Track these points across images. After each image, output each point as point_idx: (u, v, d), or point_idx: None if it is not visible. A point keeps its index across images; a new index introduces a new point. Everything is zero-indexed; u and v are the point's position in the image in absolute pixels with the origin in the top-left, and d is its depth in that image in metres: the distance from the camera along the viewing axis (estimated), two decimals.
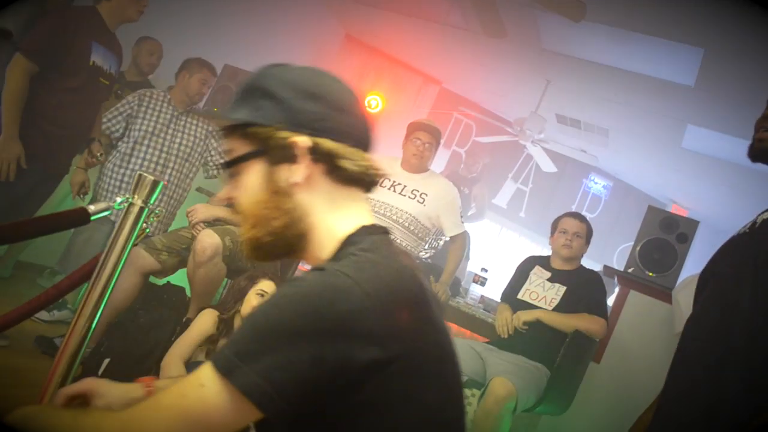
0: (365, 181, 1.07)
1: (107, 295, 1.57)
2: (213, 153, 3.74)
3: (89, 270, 1.62)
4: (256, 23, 5.09)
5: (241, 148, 1.04)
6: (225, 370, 0.85)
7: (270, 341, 0.85)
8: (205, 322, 2.56)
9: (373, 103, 6.60)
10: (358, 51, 6.90)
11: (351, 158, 1.03)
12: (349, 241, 1.00)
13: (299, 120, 1.01)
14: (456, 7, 5.20)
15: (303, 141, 1.00)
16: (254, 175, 1.04)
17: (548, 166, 6.51)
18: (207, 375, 0.86)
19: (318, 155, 1.01)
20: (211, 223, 3.19)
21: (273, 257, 1.07)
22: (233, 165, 1.06)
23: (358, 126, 1.06)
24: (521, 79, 6.30)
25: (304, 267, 3.70)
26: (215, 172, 3.74)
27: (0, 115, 2.82)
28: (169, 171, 3.52)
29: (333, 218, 1.04)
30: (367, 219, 1.07)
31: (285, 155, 1.01)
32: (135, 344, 2.93)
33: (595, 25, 4.57)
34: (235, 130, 1.05)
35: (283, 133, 1.01)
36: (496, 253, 7.47)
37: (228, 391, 0.84)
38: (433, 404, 0.94)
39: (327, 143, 1.01)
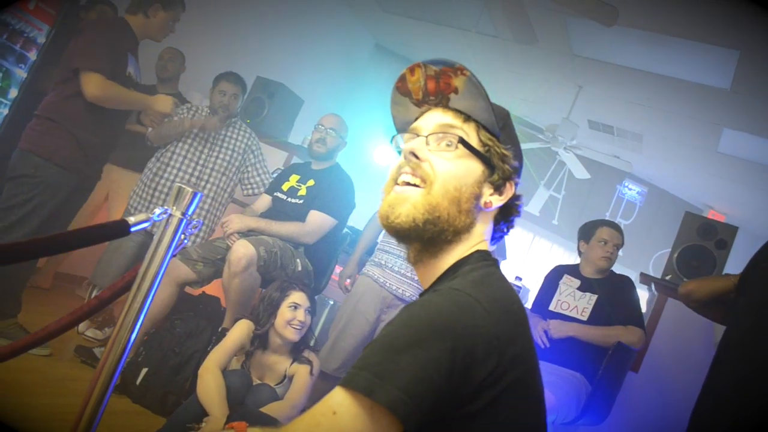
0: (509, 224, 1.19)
1: (147, 306, 1.59)
2: (250, 169, 3.76)
3: (129, 281, 1.65)
4: (286, 35, 5.14)
5: (472, 137, 1.14)
6: (366, 391, 0.87)
7: (406, 359, 0.88)
8: (241, 331, 2.58)
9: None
10: (387, 60, 6.93)
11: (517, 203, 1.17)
12: (460, 264, 1.10)
13: (517, 155, 1.16)
14: (486, 15, 5.19)
15: (515, 176, 1.15)
16: (468, 168, 1.12)
17: (581, 172, 6.45)
18: (339, 401, 0.89)
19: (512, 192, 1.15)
20: (246, 234, 3.22)
21: (418, 231, 1.09)
22: (462, 144, 1.13)
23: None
24: (552, 86, 6.25)
25: (338, 277, 3.71)
26: (252, 190, 3.76)
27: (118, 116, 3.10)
28: (203, 184, 3.55)
29: (477, 243, 1.13)
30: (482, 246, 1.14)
31: (500, 177, 1.13)
32: (172, 354, 2.97)
33: (627, 29, 4.52)
34: (472, 119, 1.16)
35: (509, 161, 1.13)
36: (530, 262, 7.40)
37: (367, 411, 0.87)
38: (531, 422, 1.00)
39: (513, 187, 1.15)
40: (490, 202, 1.12)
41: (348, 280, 3.58)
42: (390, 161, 5.12)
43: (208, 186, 3.60)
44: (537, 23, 4.91)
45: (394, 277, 3.19)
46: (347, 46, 6.60)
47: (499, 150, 1.13)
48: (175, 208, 1.60)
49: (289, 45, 5.23)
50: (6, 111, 3.41)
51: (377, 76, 6.82)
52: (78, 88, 2.84)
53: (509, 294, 1.03)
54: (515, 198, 1.16)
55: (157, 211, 1.57)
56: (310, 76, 5.66)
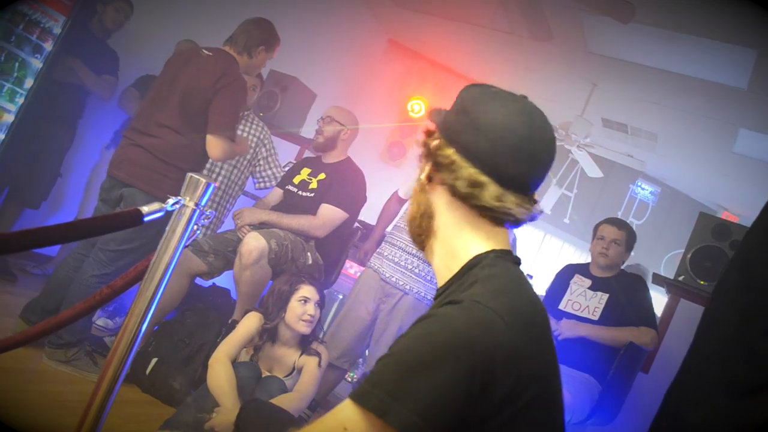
0: (493, 215, 1.08)
1: (159, 296, 1.60)
2: (262, 163, 3.77)
3: (141, 270, 1.66)
4: (299, 29, 5.13)
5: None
6: (379, 411, 0.85)
7: (422, 380, 0.86)
8: (251, 324, 2.59)
9: (416, 107, 6.60)
10: (401, 56, 6.91)
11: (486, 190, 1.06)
12: (474, 263, 1.07)
13: (449, 134, 1.13)
14: (501, 11, 5.16)
15: (447, 153, 1.10)
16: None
17: (594, 171, 6.41)
18: (350, 417, 0.87)
19: (453, 174, 1.09)
20: (257, 226, 3.22)
21: (416, 239, 1.21)
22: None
23: (507, 162, 1.06)
24: (567, 83, 6.21)
25: (347, 271, 3.72)
26: (263, 183, 3.77)
27: None
28: (214, 176, 3.56)
29: (459, 237, 1.10)
30: (498, 245, 1.10)
31: (429, 158, 1.16)
32: (182, 344, 2.98)
33: (643, 26, 4.48)
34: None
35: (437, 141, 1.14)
36: (541, 260, 7.37)
37: (376, 430, 0.85)
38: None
39: (468, 168, 1.07)
40: (425, 181, 1.15)
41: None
42: (399, 156, 5.07)
43: (219, 178, 3.61)
44: (552, 20, 4.87)
45: (389, 266, 3.20)
46: (360, 41, 6.58)
47: (431, 140, 1.16)
48: (188, 198, 1.60)
49: (303, 39, 5.23)
50: (22, 100, 3.42)
51: (390, 71, 6.80)
52: (202, 140, 2.80)
53: (532, 303, 1.01)
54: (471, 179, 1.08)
55: (171, 200, 1.58)
56: (323, 70, 5.65)
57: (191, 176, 1.60)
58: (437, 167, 1.11)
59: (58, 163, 3.84)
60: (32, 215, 3.91)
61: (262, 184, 3.78)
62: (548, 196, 7.13)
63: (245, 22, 3.05)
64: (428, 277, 3.15)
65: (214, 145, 2.79)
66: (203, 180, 1.59)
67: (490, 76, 6.87)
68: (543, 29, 4.87)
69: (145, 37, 4.21)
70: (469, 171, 1.06)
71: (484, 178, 1.05)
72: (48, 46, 3.46)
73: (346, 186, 3.37)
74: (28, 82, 3.43)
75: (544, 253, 7.71)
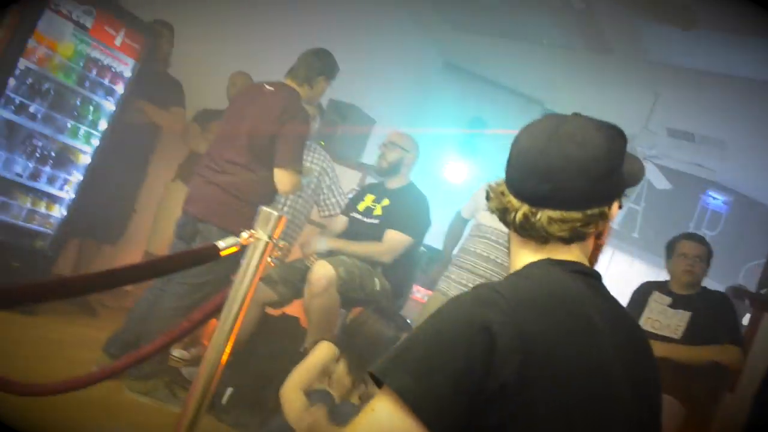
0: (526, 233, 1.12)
1: (235, 328, 1.64)
2: (326, 191, 3.82)
3: (219, 304, 1.70)
4: (356, 56, 5.21)
5: None
6: (381, 375, 0.90)
7: (420, 347, 0.93)
8: (323, 354, 2.60)
9: (476, 126, 6.58)
10: (457, 78, 6.93)
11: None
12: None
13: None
14: (557, 27, 5.12)
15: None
16: None
17: (662, 182, 6.23)
18: (380, 404, 0.91)
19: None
20: (324, 255, 3.26)
21: None
22: None
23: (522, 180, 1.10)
24: (628, 94, 6.09)
25: (414, 296, 3.72)
26: (328, 211, 3.82)
27: None
28: (280, 207, 3.63)
29: (516, 254, 1.15)
30: (555, 257, 1.10)
31: None
32: (255, 374, 3.03)
33: (705, 32, 4.36)
34: None
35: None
36: (610, 278, 7.17)
37: (399, 411, 0.88)
38: None
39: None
40: None
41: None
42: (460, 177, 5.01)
43: (285, 208, 3.67)
44: (610, 31, 4.80)
45: (458, 289, 3.18)
46: (416, 65, 6.64)
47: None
48: (261, 231, 1.64)
49: (359, 66, 5.29)
50: (97, 142, 3.59)
51: (447, 93, 6.82)
52: (270, 174, 2.89)
53: (558, 294, 1.01)
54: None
55: (244, 234, 1.62)
56: (380, 96, 5.72)
57: (263, 210, 1.64)
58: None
59: (132, 198, 4.00)
60: (110, 250, 4.08)
61: (327, 212, 3.83)
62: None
63: (305, 53, 3.12)
64: None
65: (283, 178, 2.86)
66: (275, 213, 1.63)
67: (549, 93, 6.80)
68: (601, 41, 4.80)
69: (193, 64, 4.35)
70: (502, 200, 1.12)
71: (509, 202, 1.11)
72: (119, 89, 3.63)
73: (410, 211, 3.38)
74: (103, 124, 3.61)
75: (614, 269, 7.51)
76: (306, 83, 3.04)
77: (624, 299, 3.40)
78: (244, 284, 1.62)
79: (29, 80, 3.28)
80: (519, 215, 1.08)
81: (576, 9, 4.56)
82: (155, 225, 4.20)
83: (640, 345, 1.11)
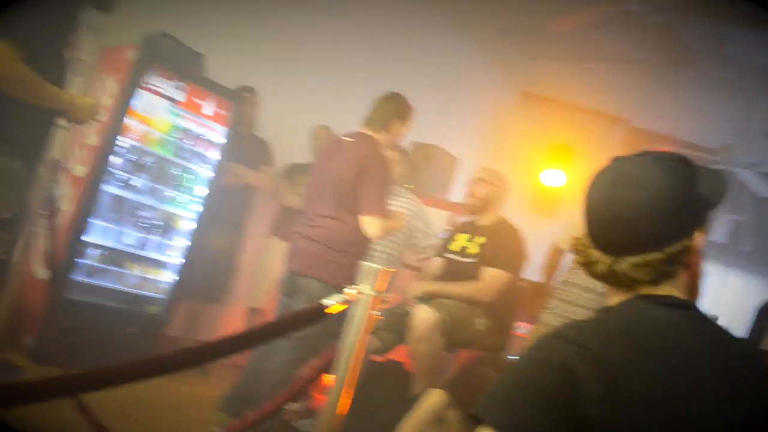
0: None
1: (350, 381, 1.66)
2: (418, 234, 3.84)
3: (329, 360, 1.74)
4: (432, 95, 5.26)
5: None
6: (479, 414, 0.94)
7: (511, 377, 0.99)
8: (435, 401, 2.58)
9: (559, 154, 6.46)
10: (536, 105, 6.85)
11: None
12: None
13: None
14: (636, 43, 5.00)
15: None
16: None
17: (765, 190, 5.89)
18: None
19: None
20: (424, 299, 3.26)
21: None
22: None
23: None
24: (719, 103, 5.83)
25: (518, 332, 3.64)
26: (423, 254, 3.83)
27: None
28: (377, 254, 3.66)
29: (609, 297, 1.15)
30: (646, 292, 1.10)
31: None
32: (366, 421, 3.03)
33: None
34: None
35: None
36: (723, 296, 6.78)
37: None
38: None
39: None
40: None
41: None
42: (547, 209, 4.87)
43: (379, 254, 3.71)
44: (692, 41, 4.64)
45: (560, 322, 3.07)
46: (493, 97, 6.62)
47: None
48: (364, 285, 1.67)
49: (436, 104, 5.34)
50: (198, 207, 3.77)
51: (526, 121, 6.75)
52: (356, 223, 2.93)
53: (641, 325, 1.02)
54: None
55: (349, 290, 1.65)
56: (461, 133, 5.74)
57: (364, 264, 1.67)
58: None
59: (234, 258, 4.16)
60: (218, 308, 4.25)
61: (421, 255, 3.84)
62: (719, 225, 6.62)
63: (377, 99, 3.18)
64: None
65: (370, 224, 2.90)
66: (378, 267, 1.65)
67: (634, 109, 6.61)
68: (683, 52, 4.64)
69: (277, 122, 4.51)
70: (586, 254, 1.13)
71: (592, 255, 1.12)
72: (213, 155, 3.82)
73: (506, 247, 3.34)
74: (201, 190, 3.79)
75: (726, 287, 7.10)
76: (382, 129, 3.09)
77: (744, 316, 3.20)
78: (353, 340, 1.65)
79: (131, 156, 3.51)
80: (603, 267, 1.09)
81: (653, 23, 4.44)
82: (257, 281, 4.34)
83: (752, 365, 1.08)
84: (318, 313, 1.59)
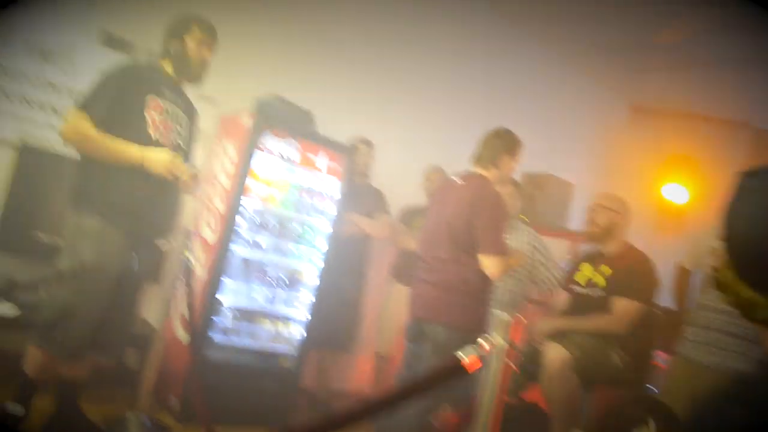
0: None
1: (492, 429, 1.64)
2: (540, 268, 3.76)
3: (468, 413, 1.72)
4: (538, 122, 5.18)
5: None
6: None
7: None
8: None
9: (679, 166, 6.14)
10: (649, 119, 6.58)
11: None
12: None
13: None
14: (749, 43, 4.71)
15: None
16: None
17: None
18: None
19: None
20: (553, 336, 3.17)
21: None
22: None
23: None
24: None
25: (656, 362, 3.46)
26: (547, 288, 3.74)
27: None
28: (499, 293, 3.61)
29: None
30: None
31: None
32: None
33: None
34: None
35: None
36: None
37: None
38: None
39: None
40: None
41: None
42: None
43: (501, 292, 3.65)
44: None
45: (696, 349, 2.85)
46: (602, 117, 6.43)
47: None
48: (497, 335, 1.65)
49: (544, 131, 5.26)
50: (322, 261, 3.89)
51: (640, 137, 6.48)
52: (476, 263, 2.91)
53: None
54: None
55: (482, 341, 1.64)
56: (572, 157, 5.60)
57: (496, 314, 1.66)
58: None
59: (357, 306, 4.24)
60: (346, 356, 4.33)
61: (545, 290, 3.75)
62: None
63: (484, 136, 3.16)
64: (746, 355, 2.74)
65: (490, 264, 2.87)
66: (509, 317, 1.63)
67: (757, 113, 6.20)
68: None
69: (390, 167, 4.59)
70: (738, 294, 0.95)
71: (748, 295, 0.93)
72: (330, 208, 3.93)
73: (635, 275, 3.20)
74: (322, 244, 3.91)
75: None
76: (492, 165, 3.06)
77: None
78: (491, 391, 1.63)
79: (255, 217, 3.69)
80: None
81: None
82: (381, 327, 4.38)
83: None
84: (456, 370, 1.58)
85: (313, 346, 4.03)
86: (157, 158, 2.50)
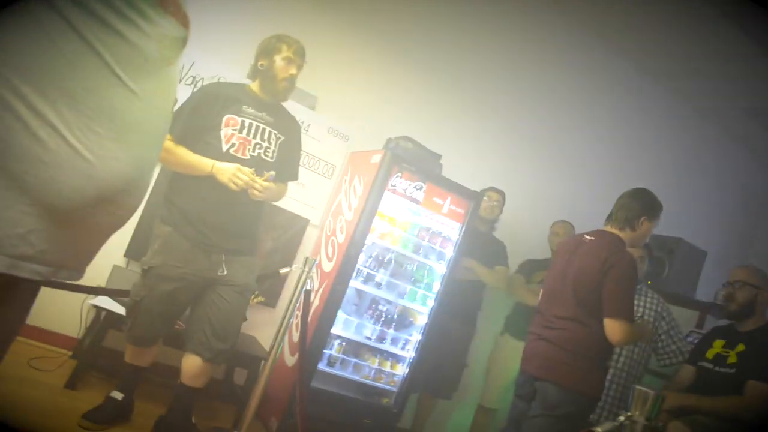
0: None
1: None
2: (663, 337, 3.55)
3: None
4: (665, 180, 4.93)
5: None
6: None
7: None
8: None
9: None
10: None
11: None
12: None
13: None
14: None
15: None
16: None
17: None
18: None
19: None
20: (675, 412, 2.96)
21: None
22: None
23: None
24: None
25: None
26: (669, 360, 3.52)
27: None
28: (615, 357, 3.44)
29: None
30: None
31: None
32: None
33: None
34: None
35: None
36: None
37: None
38: None
39: None
40: None
41: None
42: None
43: (621, 359, 3.47)
44: None
45: None
46: (744, 182, 6.01)
47: None
48: (637, 412, 1.55)
49: (678, 193, 4.99)
50: (432, 302, 3.85)
51: None
52: (602, 326, 2.78)
53: None
54: None
55: (622, 418, 1.54)
56: (707, 223, 5.29)
57: (638, 389, 1.55)
58: None
59: (464, 354, 4.14)
60: (446, 404, 4.23)
61: (667, 361, 3.52)
62: None
63: (622, 196, 3.02)
64: None
65: (614, 329, 2.72)
66: (651, 393, 1.53)
67: None
68: None
69: (515, 218, 4.49)
70: None
71: None
72: (448, 251, 3.90)
73: None
74: (436, 286, 3.87)
75: None
76: (627, 227, 2.92)
77: None
78: None
79: (375, 253, 3.71)
80: None
81: None
82: (488, 379, 4.26)
83: None
84: None
85: (414, 389, 3.98)
86: (223, 168, 2.63)
